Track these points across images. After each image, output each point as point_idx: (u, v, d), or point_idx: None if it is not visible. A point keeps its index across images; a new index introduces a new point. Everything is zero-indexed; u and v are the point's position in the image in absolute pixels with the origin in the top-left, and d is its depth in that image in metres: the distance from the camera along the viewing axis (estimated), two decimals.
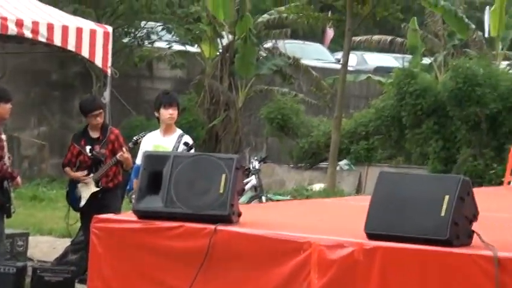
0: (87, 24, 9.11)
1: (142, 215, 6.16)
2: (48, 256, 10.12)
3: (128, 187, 11.04)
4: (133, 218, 6.16)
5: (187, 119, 17.90)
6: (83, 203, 8.34)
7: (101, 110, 8.31)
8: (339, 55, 26.34)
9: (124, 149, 8.22)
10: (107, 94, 9.56)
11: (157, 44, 19.34)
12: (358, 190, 16.61)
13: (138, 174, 10.20)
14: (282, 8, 19.87)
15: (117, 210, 8.37)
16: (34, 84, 18.21)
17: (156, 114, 7.95)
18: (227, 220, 5.96)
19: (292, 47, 21.18)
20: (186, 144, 7.82)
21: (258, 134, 20.31)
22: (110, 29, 9.28)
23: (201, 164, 6.19)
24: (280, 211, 7.53)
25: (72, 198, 8.43)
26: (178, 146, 7.92)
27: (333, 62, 24.06)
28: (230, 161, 6.16)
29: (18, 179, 7.49)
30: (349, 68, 22.65)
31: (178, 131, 8.05)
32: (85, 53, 8.96)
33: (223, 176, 6.09)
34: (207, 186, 6.09)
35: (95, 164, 8.29)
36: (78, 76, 18.72)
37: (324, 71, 20.87)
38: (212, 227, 5.84)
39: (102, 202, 8.26)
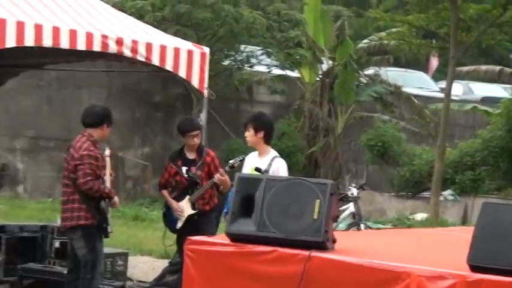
0: (184, 45, 9.09)
1: (235, 238, 6.07)
2: (147, 276, 10.15)
3: (225, 209, 11.03)
4: (226, 240, 6.07)
5: (286, 143, 17.80)
6: (179, 225, 8.30)
7: (199, 131, 8.29)
8: (443, 84, 25.85)
9: (221, 171, 8.16)
10: (203, 115, 9.53)
11: (257, 68, 19.36)
12: (464, 221, 16.13)
13: None
14: (383, 34, 19.61)
15: (212, 233, 8.33)
16: (138, 104, 18.46)
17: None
18: (321, 246, 5.80)
19: (393, 74, 20.87)
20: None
21: (358, 161, 20.06)
22: (207, 49, 9.23)
23: (295, 189, 6.06)
24: (378, 239, 7.29)
25: (169, 220, 8.42)
26: (269, 169, 7.81)
27: (436, 91, 23.56)
28: (324, 186, 6.00)
29: (116, 199, 7.49)
30: (455, 98, 22.16)
31: (272, 153, 7.99)
32: (182, 73, 8.92)
33: (317, 201, 5.94)
34: (300, 211, 5.95)
35: (191, 186, 8.25)
36: (179, 97, 18.88)
37: (426, 100, 20.45)
38: (306, 253, 5.68)
39: (197, 225, 8.20)
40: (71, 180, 7.28)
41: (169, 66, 8.77)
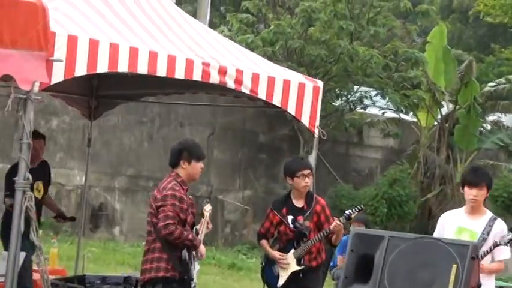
0: (295, 77, 8.04)
1: None
2: None
3: (331, 263, 9.87)
4: None
5: (398, 191, 16.53)
6: (281, 282, 7.18)
7: (310, 171, 7.18)
8: None
9: (337, 219, 7.03)
10: (312, 158, 8.45)
11: (370, 110, 18.22)
12: None
13: (344, 249, 9.06)
14: (511, 77, 18.16)
15: None
16: (242, 144, 17.55)
17: (462, 191, 6.76)
18: None
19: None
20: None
21: None
22: (320, 83, 8.17)
23: (425, 250, 4.94)
24: None
25: (269, 275, 7.29)
26: (489, 231, 6.55)
27: None
28: (464, 249, 4.86)
29: (202, 249, 6.40)
30: None
31: (489, 213, 6.72)
32: (291, 109, 7.87)
33: (454, 266, 4.81)
34: (431, 278, 4.86)
35: (297, 238, 7.13)
36: (285, 138, 17.89)
37: None
38: None
39: (302, 283, 7.09)
40: (152, 226, 6.26)
41: (277, 101, 7.73)
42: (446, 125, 17.44)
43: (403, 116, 18.11)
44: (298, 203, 7.16)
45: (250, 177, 17.69)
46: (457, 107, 17.10)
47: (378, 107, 17.78)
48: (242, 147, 17.61)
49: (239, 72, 7.42)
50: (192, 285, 6.29)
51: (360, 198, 16.38)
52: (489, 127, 17.82)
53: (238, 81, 7.42)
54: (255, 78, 7.54)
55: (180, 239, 6.18)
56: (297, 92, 7.85)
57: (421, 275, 4.87)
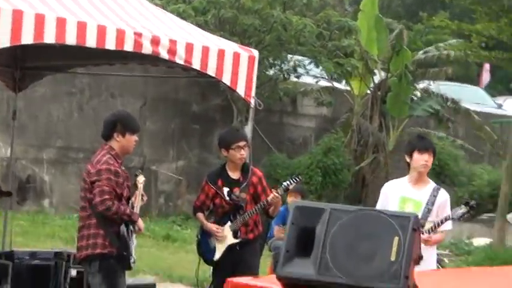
0: (230, 46, 7.87)
1: (289, 282, 4.82)
2: None
3: (268, 234, 9.76)
4: (278, 285, 4.83)
5: (332, 160, 16.49)
6: (217, 256, 7.04)
7: (246, 142, 7.02)
8: (500, 100, 24.44)
9: (275, 191, 6.90)
10: (248, 128, 8.31)
11: (303, 79, 18.13)
12: None
13: (281, 220, 8.96)
14: (441, 45, 18.22)
15: (255, 266, 7.11)
16: (174, 114, 17.27)
17: (408, 159, 6.64)
18: None
19: (447, 89, 19.44)
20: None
21: None
22: (255, 52, 8.02)
23: (366, 222, 4.80)
24: (459, 281, 5.94)
25: (205, 249, 7.14)
26: (433, 201, 6.50)
27: (493, 107, 22.15)
28: (405, 220, 4.73)
29: (140, 223, 6.19)
30: (510, 114, 20.81)
31: (432, 183, 6.67)
32: (226, 79, 7.71)
33: (396, 238, 4.68)
34: (373, 250, 4.70)
35: (233, 210, 6.98)
36: (219, 108, 17.70)
37: (485, 116, 19.00)
38: None
39: (239, 256, 6.96)
40: (87, 201, 6.03)
41: (211, 71, 7.56)
42: (379, 93, 17.45)
43: (336, 84, 18.06)
44: (234, 175, 7.02)
45: (184, 147, 17.47)
46: (389, 75, 17.11)
47: (311, 76, 17.69)
48: (175, 118, 17.36)
49: (172, 42, 7.22)
50: (131, 261, 6.09)
51: (294, 167, 16.32)
52: (419, 95, 17.87)
53: (172, 51, 7.23)
54: (189, 48, 7.35)
55: (118, 214, 5.97)
56: (232, 62, 7.70)
57: (363, 247, 4.74)
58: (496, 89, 29.70)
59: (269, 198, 6.84)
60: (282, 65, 16.78)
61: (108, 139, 6.16)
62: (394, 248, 4.69)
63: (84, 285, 6.29)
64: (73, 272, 7.42)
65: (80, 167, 16.49)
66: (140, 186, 6.34)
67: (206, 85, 17.20)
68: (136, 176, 6.39)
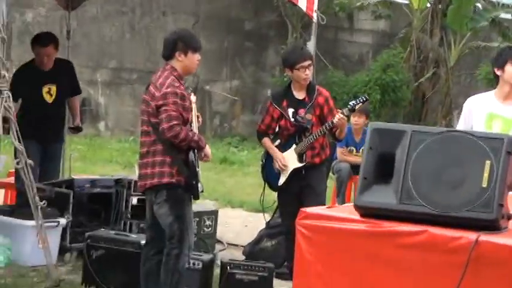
0: None
1: (368, 212, 4.49)
2: (239, 237, 8.68)
3: (333, 157, 9.36)
4: (355, 215, 4.51)
5: (391, 76, 15.93)
6: (282, 180, 6.67)
7: (311, 61, 6.57)
8: None
9: (340, 112, 6.48)
10: (311, 44, 7.88)
11: None
12: None
13: (345, 141, 8.52)
14: None
15: (322, 192, 6.74)
16: (227, 33, 16.80)
17: (498, 72, 5.77)
18: (493, 227, 4.19)
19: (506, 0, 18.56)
20: None
21: (468, 96, 17.98)
22: None
23: (452, 145, 4.39)
24: None
25: (269, 174, 6.78)
26: None
27: None
28: (497, 142, 4.31)
29: (208, 150, 5.82)
30: None
31: None
32: None
33: (488, 162, 4.28)
34: (461, 176, 4.32)
35: (298, 132, 6.58)
36: (273, 25, 17.17)
37: None
38: (472, 236, 4.10)
39: (305, 181, 6.59)
40: (151, 126, 5.66)
41: None
42: (439, 6, 16.71)
43: None
44: (299, 95, 6.59)
45: (238, 66, 17.06)
46: None
47: None
48: (228, 36, 16.90)
49: None
50: (200, 190, 5.75)
51: (351, 84, 15.84)
52: (481, 7, 17.03)
53: None
54: None
55: (186, 140, 5.60)
56: None
57: (450, 173, 4.34)
58: None
59: (335, 120, 6.42)
60: None
61: (169, 59, 5.76)
62: (486, 174, 4.29)
63: (147, 213, 5.98)
64: (134, 200, 7.16)
65: (134, 87, 16.24)
66: (194, 106, 5.96)
67: (259, 1, 16.68)
68: (187, 95, 5.98)
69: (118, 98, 16.18)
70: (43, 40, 7.68)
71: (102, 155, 13.30)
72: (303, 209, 4.69)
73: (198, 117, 5.97)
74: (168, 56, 5.78)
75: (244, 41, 17.08)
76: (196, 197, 5.83)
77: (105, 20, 15.92)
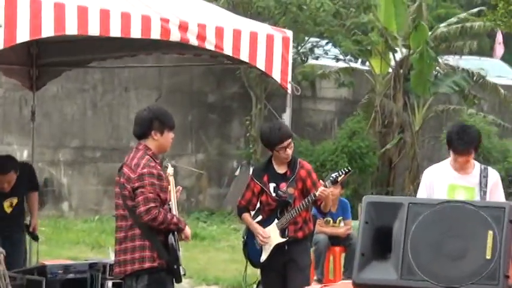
0: (262, 28, 7.26)
1: None
2: None
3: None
4: None
5: (358, 144, 15.86)
6: (264, 257, 6.44)
7: (290, 139, 6.40)
8: None
9: (323, 184, 6.30)
10: (287, 116, 7.73)
11: (321, 61, 17.48)
12: None
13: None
14: (462, 16, 17.50)
15: (306, 267, 6.54)
16: (191, 106, 16.63)
17: (448, 148, 6.02)
18: None
19: (467, 63, 18.72)
20: None
21: (433, 160, 17.96)
22: (290, 33, 7.43)
23: (452, 216, 4.22)
24: None
25: (251, 251, 6.54)
26: (486, 183, 5.93)
27: None
28: (499, 211, 4.15)
29: (187, 230, 5.60)
30: None
31: (477, 164, 6.06)
32: (260, 64, 7.14)
33: (490, 233, 4.10)
34: (463, 248, 4.15)
35: (280, 207, 6.37)
36: (236, 97, 17.07)
37: (507, 89, 18.28)
38: None
39: (288, 256, 6.36)
40: (127, 209, 5.41)
41: (244, 56, 6.97)
42: (401, 71, 16.77)
43: (356, 65, 17.39)
44: (281, 169, 6.41)
45: (202, 139, 16.87)
46: (411, 51, 16.40)
47: (330, 57, 17.02)
48: (191, 109, 16.74)
49: (201, 27, 6.65)
50: (182, 273, 5.49)
51: (318, 153, 15.73)
52: (443, 71, 17.12)
53: (201, 37, 6.66)
54: (219, 32, 6.77)
55: (165, 223, 5.37)
56: (265, 45, 7.13)
57: (451, 245, 4.17)
58: (509, 61, 28.99)
59: (317, 193, 6.24)
60: (299, 48, 16.13)
61: (143, 137, 5.55)
62: (489, 244, 4.11)
63: None
64: (109, 284, 6.85)
65: (97, 166, 15.94)
66: (171, 179, 5.73)
67: (221, 73, 16.61)
68: (165, 168, 5.75)
69: (81, 177, 15.85)
70: (3, 168, 7.59)
71: (68, 237, 12.93)
72: None
73: (177, 191, 5.77)
74: (143, 134, 5.58)
75: (208, 114, 16.94)
76: (179, 280, 5.58)
77: (66, 98, 15.69)
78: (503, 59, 26.56)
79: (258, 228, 6.42)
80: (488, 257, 4.07)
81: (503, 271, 4.03)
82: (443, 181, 5.98)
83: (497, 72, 20.92)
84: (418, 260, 4.19)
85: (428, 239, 4.19)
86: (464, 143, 5.93)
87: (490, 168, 6.16)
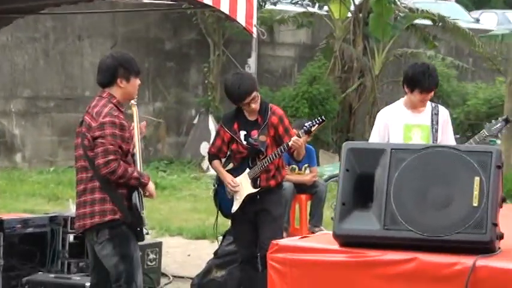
0: None
1: (348, 241, 4.11)
2: (184, 268, 8.19)
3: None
4: (334, 245, 4.11)
5: (318, 89, 15.64)
6: (235, 207, 6.20)
7: (255, 92, 6.10)
8: (476, 14, 23.65)
9: (296, 133, 6.07)
10: (252, 61, 7.44)
11: (279, 7, 17.15)
12: None
13: (286, 160, 8.08)
14: None
15: (279, 216, 6.33)
16: (147, 54, 16.21)
17: (406, 90, 5.99)
18: (489, 249, 3.83)
19: (422, 5, 18.55)
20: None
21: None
22: None
23: (437, 162, 4.03)
24: None
25: (222, 200, 6.29)
26: (437, 120, 5.99)
27: (471, 22, 21.34)
28: (486, 156, 3.96)
29: (151, 186, 5.34)
30: (488, 28, 19.99)
31: (428, 102, 6.09)
32: (224, 7, 6.83)
33: (477, 179, 3.92)
34: (449, 195, 3.98)
35: (252, 156, 6.13)
36: (193, 44, 16.69)
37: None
38: (468, 261, 3.76)
39: (260, 205, 6.14)
40: (88, 160, 5.12)
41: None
42: (360, 15, 16.50)
43: (314, 10, 17.07)
44: (251, 116, 6.14)
45: (160, 87, 16.51)
46: None
47: (287, 2, 16.71)
48: (148, 57, 16.33)
49: None
50: (145, 232, 5.25)
51: (278, 100, 15.47)
52: (403, 14, 16.88)
53: None
54: None
55: (125, 177, 5.09)
56: None
57: (436, 193, 3.99)
58: (462, 3, 28.90)
59: (290, 143, 6.01)
60: None
61: (108, 85, 5.25)
62: (476, 191, 3.93)
63: (88, 253, 5.44)
64: (71, 238, 6.61)
65: (51, 116, 15.53)
66: (135, 111, 5.50)
67: (177, 20, 16.21)
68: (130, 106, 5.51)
69: (34, 128, 15.43)
70: None
71: (22, 189, 12.57)
72: (274, 242, 4.27)
73: (141, 128, 5.50)
74: (108, 82, 5.28)
75: (165, 62, 16.55)
76: (141, 239, 5.33)
77: (17, 47, 15.18)
78: (457, 1, 26.48)
79: (228, 177, 6.18)
80: (475, 204, 3.90)
81: (491, 219, 3.86)
82: (398, 121, 6.00)
83: (453, 14, 20.77)
84: (402, 209, 4.00)
85: (412, 186, 4.01)
86: (433, 79, 5.99)
87: (440, 106, 6.23)
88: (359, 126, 16.70)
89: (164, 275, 7.68)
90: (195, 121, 16.65)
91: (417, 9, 16.68)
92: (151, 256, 7.25)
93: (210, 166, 6.48)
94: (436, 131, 6.03)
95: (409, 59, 16.83)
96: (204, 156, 15.47)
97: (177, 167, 15.42)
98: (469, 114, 15.57)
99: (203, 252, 8.60)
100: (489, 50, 16.36)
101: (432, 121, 6.02)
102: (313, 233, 8.74)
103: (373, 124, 6.20)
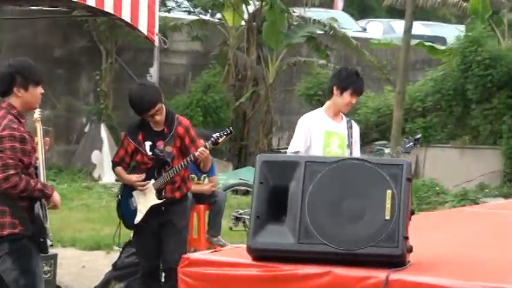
0: None
1: (262, 255, 4.06)
2: (78, 280, 7.99)
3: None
4: (246, 259, 4.04)
5: (213, 97, 15.62)
6: (139, 218, 6.09)
7: (160, 104, 6.00)
8: (362, 23, 24.16)
9: (205, 144, 6.03)
10: (154, 70, 7.38)
11: (173, 14, 17.06)
12: (416, 174, 14.42)
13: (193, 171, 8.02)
14: None
15: (184, 228, 6.26)
16: (35, 61, 15.63)
17: (335, 91, 6.04)
18: (400, 262, 3.87)
19: (313, 15, 18.84)
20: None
21: (285, 113, 17.99)
22: None
23: (350, 175, 4.04)
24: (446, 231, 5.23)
25: (126, 211, 6.17)
26: (351, 134, 6.13)
27: (359, 31, 21.80)
28: (397, 169, 4.00)
29: (55, 197, 5.18)
30: (375, 37, 20.46)
31: (343, 115, 6.25)
32: (126, 15, 6.74)
33: (388, 192, 3.95)
34: (362, 208, 3.98)
35: (158, 167, 6.03)
36: (84, 51, 16.39)
37: (357, 40, 18.46)
38: (381, 275, 3.74)
39: (165, 217, 6.05)
40: None
41: (108, 7, 6.54)
42: (254, 23, 16.59)
43: (207, 18, 17.07)
44: (157, 126, 6.04)
45: (49, 95, 16.13)
46: (264, 3, 16.22)
47: (182, 10, 16.64)
48: (36, 64, 15.78)
49: None
50: (49, 244, 5.09)
51: (173, 107, 15.35)
52: (296, 23, 17.07)
53: None
54: None
55: (28, 190, 4.93)
56: None
57: (350, 206, 4.00)
58: (349, 12, 29.51)
59: (196, 153, 5.95)
60: None
61: (5, 95, 5.07)
62: (388, 204, 3.96)
63: None
64: None
65: None
66: (38, 126, 5.35)
67: (67, 27, 15.90)
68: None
69: None
70: None
71: None
72: (185, 256, 4.20)
73: (47, 140, 5.35)
74: (4, 92, 5.10)
75: (55, 69, 16.19)
76: (45, 251, 5.17)
77: None
78: (344, 11, 27.01)
79: (133, 177, 6.05)
80: (387, 217, 3.93)
81: (402, 232, 3.90)
82: (319, 127, 6.11)
83: (342, 23, 21.16)
84: (316, 223, 3.98)
85: (327, 199, 4.00)
86: (363, 84, 6.17)
87: (351, 120, 6.38)
88: (253, 135, 16.77)
89: (59, 287, 7.49)
90: (86, 129, 16.38)
91: (310, 19, 16.88)
92: (46, 268, 7.06)
93: (113, 173, 6.37)
94: (351, 144, 6.20)
95: (302, 68, 17.05)
96: (95, 165, 15.20)
97: (67, 176, 15.12)
98: (359, 124, 15.79)
99: (98, 263, 8.45)
100: (378, 59, 16.75)
101: (348, 134, 6.19)
102: (211, 243, 8.71)
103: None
